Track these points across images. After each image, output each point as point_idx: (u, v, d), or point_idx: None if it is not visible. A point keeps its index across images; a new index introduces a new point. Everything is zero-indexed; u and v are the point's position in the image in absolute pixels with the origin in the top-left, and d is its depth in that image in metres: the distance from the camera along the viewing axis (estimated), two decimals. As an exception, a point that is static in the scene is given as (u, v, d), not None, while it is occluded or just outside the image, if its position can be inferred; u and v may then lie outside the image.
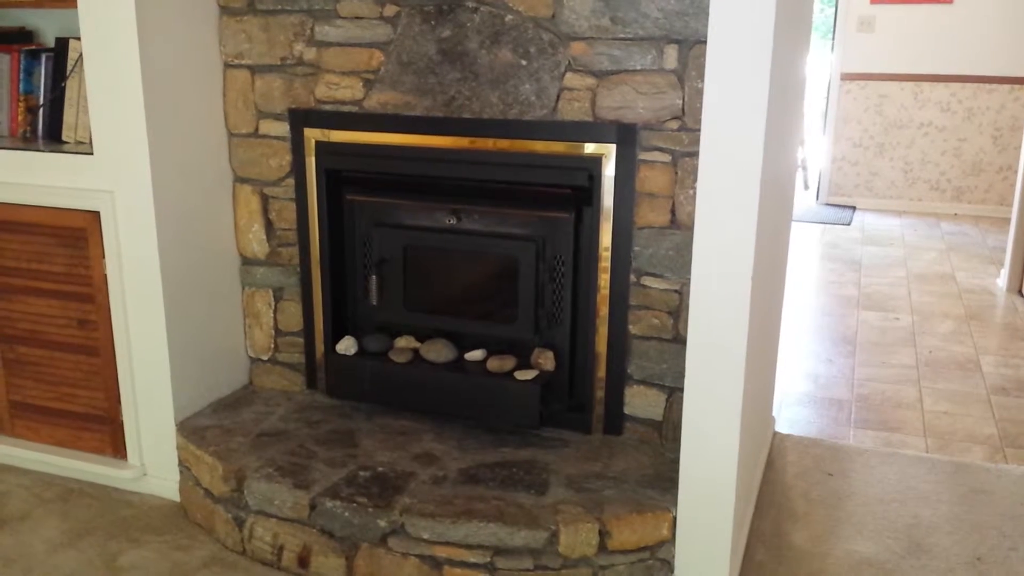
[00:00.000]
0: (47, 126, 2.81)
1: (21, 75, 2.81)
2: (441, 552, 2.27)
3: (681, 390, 2.25)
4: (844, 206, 7.34)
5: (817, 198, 7.52)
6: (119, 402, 2.77)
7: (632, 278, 2.51)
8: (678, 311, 2.49)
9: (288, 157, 2.78)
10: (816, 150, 7.72)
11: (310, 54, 2.66)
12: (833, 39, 7.27)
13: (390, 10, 2.55)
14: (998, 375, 3.88)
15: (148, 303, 2.64)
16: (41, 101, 2.82)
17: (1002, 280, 5.19)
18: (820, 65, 7.56)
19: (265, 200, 2.85)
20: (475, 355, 2.71)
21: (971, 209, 7.13)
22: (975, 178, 7.09)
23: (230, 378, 2.96)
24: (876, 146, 7.27)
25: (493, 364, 2.66)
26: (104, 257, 2.65)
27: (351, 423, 2.75)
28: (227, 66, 2.76)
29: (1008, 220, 5.71)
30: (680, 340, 2.49)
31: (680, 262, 2.45)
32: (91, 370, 2.78)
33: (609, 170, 2.44)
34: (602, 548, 2.24)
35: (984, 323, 4.57)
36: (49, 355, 2.83)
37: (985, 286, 5.22)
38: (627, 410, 2.62)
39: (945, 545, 2.57)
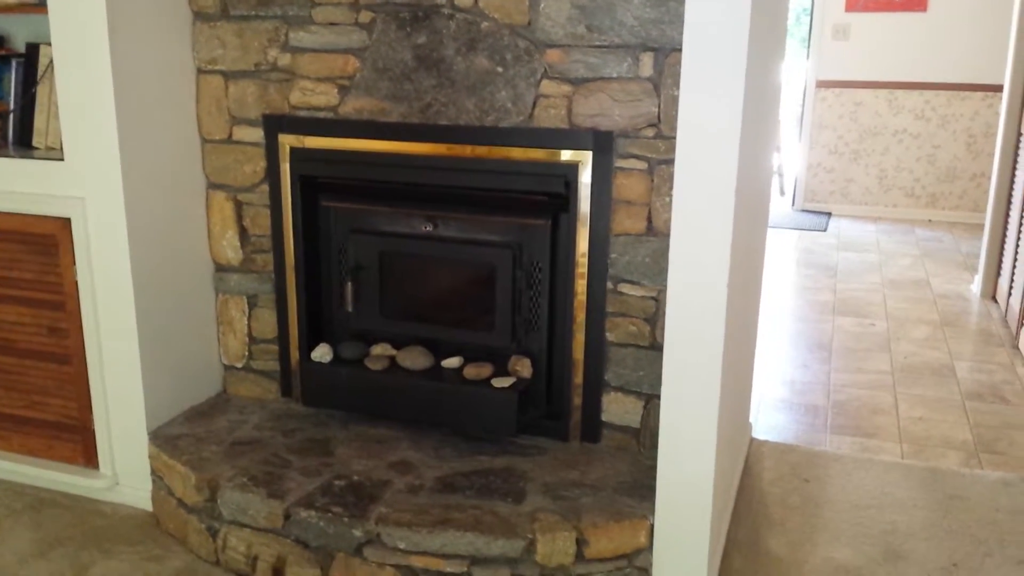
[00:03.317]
0: (17, 132, 2.78)
1: (-9, 80, 2.78)
2: (417, 562, 2.25)
3: (658, 397, 2.24)
4: (820, 212, 7.38)
5: (793, 204, 7.57)
6: (90, 411, 2.74)
7: (609, 285, 2.51)
8: (655, 318, 2.49)
9: (262, 163, 2.76)
10: (792, 157, 7.77)
11: (285, 60, 2.65)
12: (808, 47, 7.32)
13: (365, 16, 2.54)
14: (973, 380, 3.90)
15: (119, 310, 2.61)
16: (11, 107, 2.78)
17: (976, 286, 5.24)
18: (796, 72, 7.61)
19: (239, 206, 2.83)
20: (452, 362, 2.70)
21: (945, 215, 7.19)
22: (949, 185, 7.16)
23: (203, 386, 2.93)
24: (851, 153, 7.32)
25: (470, 371, 2.65)
26: (75, 264, 2.62)
27: (326, 431, 2.73)
28: (200, 72, 2.74)
29: (982, 226, 5.76)
30: (657, 347, 2.49)
31: (657, 269, 2.45)
32: (62, 378, 2.75)
33: (586, 177, 2.43)
34: (579, 557, 2.23)
35: (958, 329, 4.61)
36: (19, 363, 2.78)
37: (959, 292, 5.27)
38: (604, 417, 2.61)
39: (921, 551, 2.58)
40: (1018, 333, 4.35)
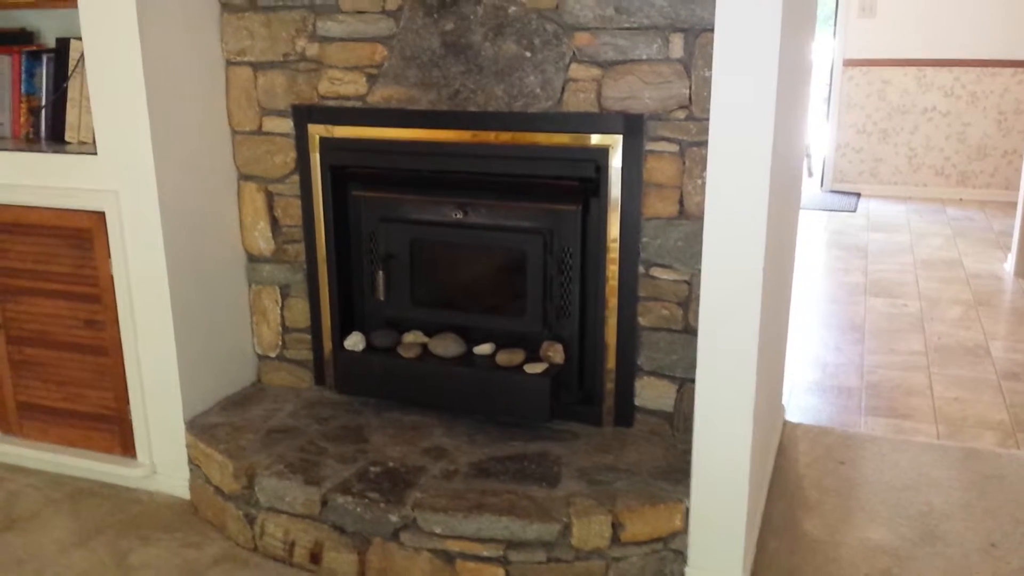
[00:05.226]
0: (50, 127, 2.80)
1: (23, 76, 2.80)
2: (454, 546, 2.27)
3: (692, 381, 2.24)
4: (849, 193, 7.31)
5: (821, 185, 7.50)
6: (128, 401, 2.77)
7: (641, 269, 2.50)
8: (687, 302, 2.48)
9: (292, 154, 2.77)
10: (819, 137, 7.69)
11: (312, 50, 2.65)
12: (835, 25, 7.24)
13: (392, 3, 2.53)
14: (1008, 360, 3.86)
15: (155, 302, 2.64)
16: (43, 102, 2.81)
17: (1009, 265, 5.17)
18: (822, 51, 7.52)
19: (270, 197, 2.84)
20: (484, 349, 2.70)
21: (976, 194, 7.10)
22: (980, 163, 7.06)
23: (238, 375, 2.96)
24: (880, 132, 7.24)
25: (502, 358, 2.65)
26: (110, 257, 2.65)
27: (360, 419, 2.74)
28: (229, 63, 2.75)
29: (1014, 204, 5.70)
30: (690, 331, 2.48)
31: (689, 253, 2.43)
32: (99, 370, 2.78)
33: (616, 161, 2.42)
34: (615, 540, 2.23)
35: (992, 308, 4.55)
36: (57, 356, 2.82)
37: (992, 271, 5.20)
38: (638, 402, 2.61)
39: (959, 532, 2.56)
40: (1054, 312, 4.29)
